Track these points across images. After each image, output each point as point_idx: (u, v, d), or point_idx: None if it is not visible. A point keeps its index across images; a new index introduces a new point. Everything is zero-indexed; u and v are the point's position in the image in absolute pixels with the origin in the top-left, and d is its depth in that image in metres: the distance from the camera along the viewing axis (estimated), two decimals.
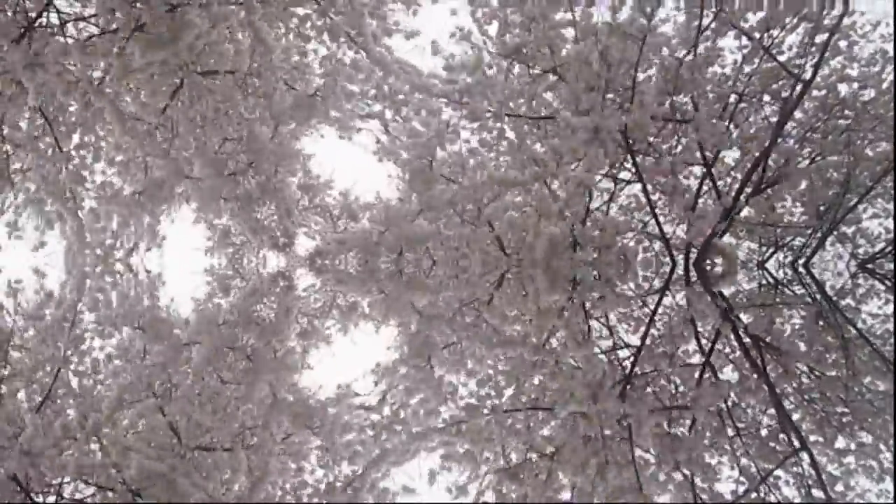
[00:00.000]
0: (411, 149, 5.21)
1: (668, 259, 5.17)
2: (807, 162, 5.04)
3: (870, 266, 5.13)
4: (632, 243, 5.32)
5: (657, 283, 5.32)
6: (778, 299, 4.50)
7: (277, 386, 4.21)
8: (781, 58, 4.66)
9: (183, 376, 4.47)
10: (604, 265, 5.08)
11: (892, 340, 3.77)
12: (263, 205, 5.82)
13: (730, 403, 3.58)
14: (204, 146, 5.29)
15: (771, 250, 5.42)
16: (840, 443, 3.39)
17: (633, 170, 5.23)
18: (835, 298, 4.73)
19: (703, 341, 3.92)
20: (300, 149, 5.87)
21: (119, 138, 5.43)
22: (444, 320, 4.25)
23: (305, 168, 6.15)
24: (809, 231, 5.09)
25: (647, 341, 3.97)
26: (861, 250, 5.23)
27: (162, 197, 5.43)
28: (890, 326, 3.96)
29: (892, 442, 3.32)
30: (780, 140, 4.75)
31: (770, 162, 4.81)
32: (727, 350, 3.85)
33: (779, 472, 3.36)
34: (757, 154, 4.82)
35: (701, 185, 5.10)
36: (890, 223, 5.07)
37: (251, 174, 5.56)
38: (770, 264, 5.59)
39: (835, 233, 5.02)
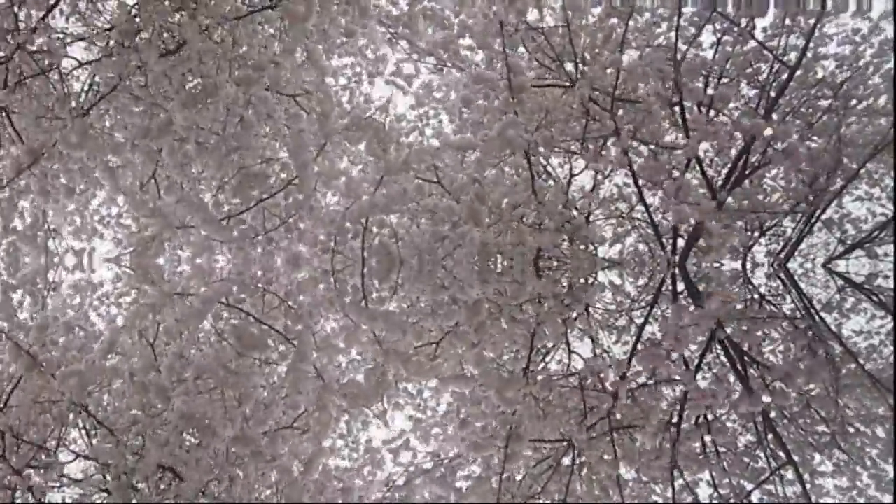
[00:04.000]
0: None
1: (654, 255, 4.78)
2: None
3: (862, 285, 4.69)
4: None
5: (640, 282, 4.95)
6: (764, 314, 4.10)
7: (322, 369, 3.95)
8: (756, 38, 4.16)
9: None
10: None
11: (876, 357, 3.39)
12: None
13: (710, 417, 3.27)
14: (197, 196, 4.95)
15: (756, 235, 4.97)
16: (817, 461, 3.07)
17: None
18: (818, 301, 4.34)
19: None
20: (345, 167, 5.45)
21: (113, 193, 5.18)
22: (402, 358, 3.91)
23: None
24: (799, 217, 4.63)
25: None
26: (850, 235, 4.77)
27: (151, 255, 5.20)
28: (875, 342, 3.58)
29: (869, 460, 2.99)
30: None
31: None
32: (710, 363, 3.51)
33: (756, 494, 3.06)
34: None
35: (685, 169, 4.64)
36: (876, 207, 4.59)
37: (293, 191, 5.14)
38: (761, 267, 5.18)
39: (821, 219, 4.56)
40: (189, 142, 4.64)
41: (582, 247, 4.98)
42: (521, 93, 4.48)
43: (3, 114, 4.80)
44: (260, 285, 5.54)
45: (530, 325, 4.10)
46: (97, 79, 4.80)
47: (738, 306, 4.18)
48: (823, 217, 4.64)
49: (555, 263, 5.28)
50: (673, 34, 4.16)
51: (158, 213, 5.05)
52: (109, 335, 4.37)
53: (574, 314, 4.29)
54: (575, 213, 4.89)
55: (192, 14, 4.20)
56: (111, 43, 4.37)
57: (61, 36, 4.99)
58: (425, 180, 4.92)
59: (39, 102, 4.93)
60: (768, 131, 3.94)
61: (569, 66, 4.60)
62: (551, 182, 5.07)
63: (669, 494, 3.06)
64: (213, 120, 4.47)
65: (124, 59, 4.12)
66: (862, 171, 4.33)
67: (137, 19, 4.22)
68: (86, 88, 5.08)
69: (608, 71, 4.41)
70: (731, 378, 3.34)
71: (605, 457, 3.24)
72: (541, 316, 4.22)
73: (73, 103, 4.76)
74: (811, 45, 4.28)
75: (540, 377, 3.63)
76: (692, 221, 4.72)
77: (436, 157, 4.97)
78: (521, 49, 4.69)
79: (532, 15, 4.53)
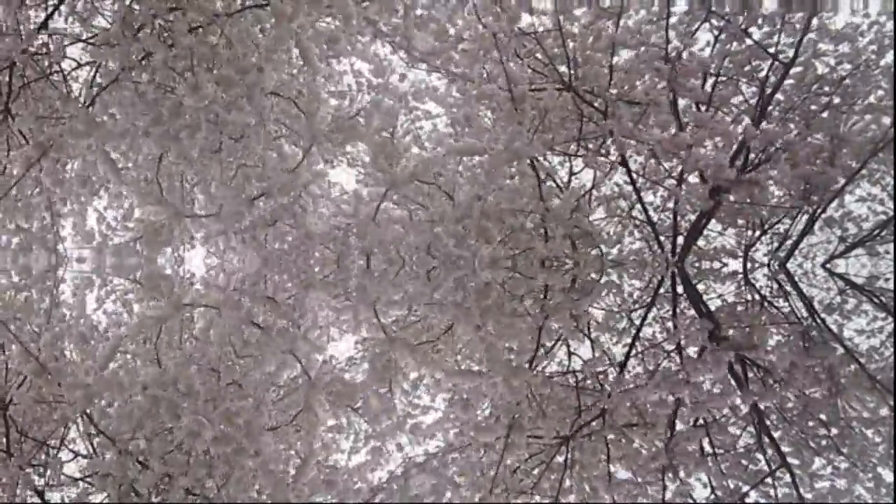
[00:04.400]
0: (373, 118, 4.68)
1: (653, 255, 4.72)
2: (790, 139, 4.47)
3: (863, 286, 4.61)
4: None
5: (639, 284, 4.87)
6: (764, 316, 4.03)
7: (308, 365, 3.86)
8: (753, 36, 4.09)
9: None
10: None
11: (877, 358, 3.33)
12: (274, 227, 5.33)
13: (708, 419, 3.22)
14: (221, 174, 4.87)
15: (757, 234, 4.90)
16: (817, 465, 3.01)
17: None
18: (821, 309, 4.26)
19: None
20: (324, 169, 5.37)
21: (116, 188, 5.12)
22: (408, 347, 3.86)
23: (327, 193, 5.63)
24: (796, 214, 4.56)
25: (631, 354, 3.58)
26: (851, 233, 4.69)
27: (161, 242, 5.11)
28: (875, 343, 3.51)
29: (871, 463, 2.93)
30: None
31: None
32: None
33: (752, 495, 3.01)
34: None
35: (684, 168, 4.58)
36: (877, 206, 4.51)
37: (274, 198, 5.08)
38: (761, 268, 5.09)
39: (822, 217, 4.49)
40: (200, 129, 4.57)
41: (589, 249, 4.92)
42: (522, 103, 4.44)
43: (8, 116, 4.79)
44: (266, 294, 5.51)
45: (538, 318, 4.05)
46: (98, 79, 4.77)
47: (739, 308, 4.14)
48: (824, 216, 4.58)
49: (555, 263, 5.24)
50: (669, 33, 4.12)
51: (166, 201, 4.99)
52: (112, 342, 4.32)
53: (582, 309, 4.24)
54: (585, 218, 4.82)
55: (184, 11, 4.15)
56: (112, 31, 4.31)
57: (61, 37, 4.97)
58: (425, 182, 4.89)
59: (44, 105, 4.91)
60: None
61: (562, 69, 4.55)
62: (551, 184, 5.01)
63: (664, 495, 3.03)
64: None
65: (126, 49, 4.07)
66: (863, 169, 4.26)
67: (138, 13, 4.18)
68: (86, 88, 5.04)
69: (603, 71, 4.36)
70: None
71: (602, 456, 3.21)
72: (548, 309, 4.16)
73: (77, 98, 4.74)
74: (811, 41, 4.23)
75: (542, 371, 3.60)
76: (692, 218, 4.69)
77: (441, 165, 4.93)
78: (515, 56, 4.65)
79: (523, 21, 4.48)
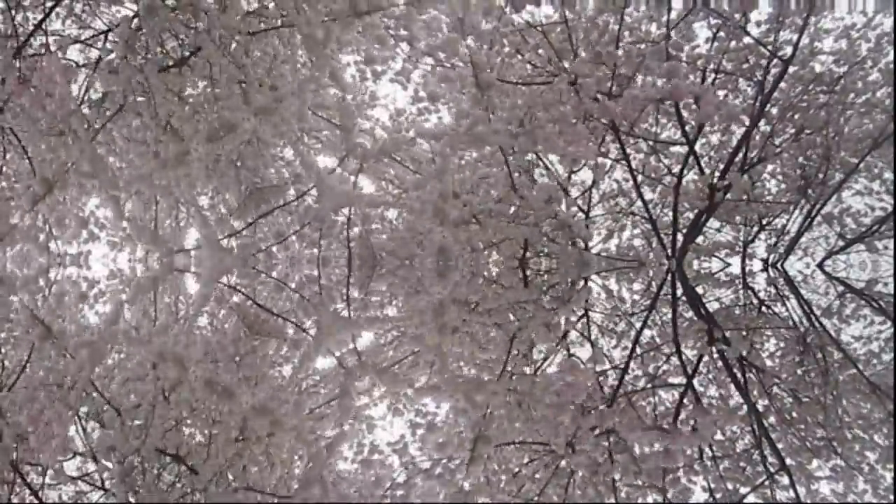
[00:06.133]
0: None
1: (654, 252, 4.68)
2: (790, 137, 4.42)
3: (859, 289, 4.56)
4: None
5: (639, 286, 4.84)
6: (762, 319, 4.00)
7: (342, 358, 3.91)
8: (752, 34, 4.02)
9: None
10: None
11: (875, 363, 3.31)
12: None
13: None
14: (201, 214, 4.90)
15: (755, 230, 4.86)
16: (814, 466, 3.00)
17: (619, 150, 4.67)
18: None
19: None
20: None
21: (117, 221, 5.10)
22: (377, 370, 3.81)
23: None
24: (792, 209, 4.51)
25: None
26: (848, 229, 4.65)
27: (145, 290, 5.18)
28: (874, 348, 3.49)
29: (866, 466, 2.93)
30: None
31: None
32: (708, 366, 3.44)
33: (752, 497, 3.01)
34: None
35: (684, 165, 4.53)
36: (875, 202, 4.46)
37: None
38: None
39: (821, 213, 4.44)
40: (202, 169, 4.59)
41: (570, 244, 4.86)
42: (488, 89, 4.40)
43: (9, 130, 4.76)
44: (257, 268, 5.48)
45: (510, 329, 3.99)
46: (94, 91, 4.71)
47: (737, 311, 4.11)
48: (823, 211, 4.53)
49: (543, 264, 5.20)
50: (667, 30, 4.04)
51: (160, 239, 5.01)
52: (113, 308, 4.31)
53: (562, 318, 4.19)
54: (563, 207, 4.74)
55: (208, 26, 4.06)
56: (113, 57, 4.25)
57: (58, 38, 4.90)
58: (395, 158, 4.92)
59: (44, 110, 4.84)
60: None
61: (565, 64, 4.47)
62: (539, 177, 4.97)
63: (665, 498, 3.03)
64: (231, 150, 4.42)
65: (127, 75, 4.03)
66: (861, 164, 4.21)
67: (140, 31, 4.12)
68: (87, 99, 4.97)
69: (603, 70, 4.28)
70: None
71: (601, 459, 3.19)
72: (521, 322, 4.11)
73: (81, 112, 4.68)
74: (808, 40, 4.16)
75: (515, 378, 3.56)
76: (690, 217, 4.65)
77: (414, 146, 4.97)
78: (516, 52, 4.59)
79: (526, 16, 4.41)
